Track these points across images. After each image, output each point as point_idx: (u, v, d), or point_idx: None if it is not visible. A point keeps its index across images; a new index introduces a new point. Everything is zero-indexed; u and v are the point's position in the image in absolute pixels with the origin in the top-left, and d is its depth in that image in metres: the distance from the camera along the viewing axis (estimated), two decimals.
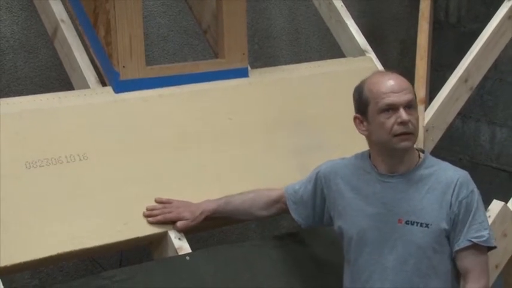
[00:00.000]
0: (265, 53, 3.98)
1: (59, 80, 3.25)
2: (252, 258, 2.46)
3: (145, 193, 2.45)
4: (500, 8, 3.34)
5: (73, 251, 2.27)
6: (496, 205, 2.74)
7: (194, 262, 2.35)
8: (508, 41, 3.37)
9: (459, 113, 3.38)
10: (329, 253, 2.53)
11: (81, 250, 2.28)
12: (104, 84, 2.69)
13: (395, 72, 2.24)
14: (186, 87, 2.75)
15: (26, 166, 2.33)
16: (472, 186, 2.20)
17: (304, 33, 4.16)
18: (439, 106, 3.19)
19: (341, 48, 3.42)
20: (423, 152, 2.29)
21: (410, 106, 2.16)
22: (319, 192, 2.36)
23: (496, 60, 3.44)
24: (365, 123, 2.21)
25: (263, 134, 2.81)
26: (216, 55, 2.95)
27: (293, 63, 3.42)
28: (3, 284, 2.15)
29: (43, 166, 2.35)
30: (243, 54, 2.88)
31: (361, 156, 2.31)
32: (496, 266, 2.74)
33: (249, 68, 2.94)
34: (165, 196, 2.47)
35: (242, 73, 2.89)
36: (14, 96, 2.70)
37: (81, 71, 2.69)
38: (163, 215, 2.42)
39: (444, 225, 2.16)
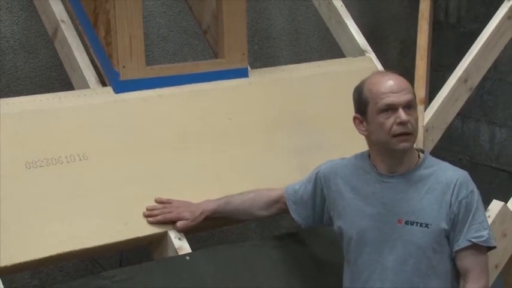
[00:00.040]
0: (265, 53, 3.98)
1: (59, 80, 3.25)
2: (252, 258, 2.46)
3: (145, 193, 2.46)
4: (500, 8, 3.34)
5: (73, 251, 2.27)
6: (495, 205, 2.74)
7: (194, 262, 2.35)
8: (508, 41, 3.37)
9: (459, 113, 3.38)
10: (329, 253, 2.53)
11: (81, 250, 2.28)
12: (104, 84, 2.69)
13: (395, 73, 2.24)
14: (186, 87, 2.75)
15: (26, 166, 2.33)
16: (472, 186, 2.20)
17: (304, 34, 4.16)
18: (439, 106, 3.19)
19: (341, 49, 3.43)
20: (423, 152, 2.29)
21: (409, 106, 2.16)
22: (319, 192, 2.36)
23: (495, 61, 3.44)
24: (364, 124, 2.21)
25: (263, 134, 2.81)
26: (216, 55, 2.96)
27: (293, 64, 3.42)
28: (3, 284, 2.15)
29: (43, 166, 2.35)
30: (243, 54, 2.88)
31: (360, 156, 2.32)
32: (496, 266, 2.74)
33: (249, 68, 2.94)
34: (165, 196, 2.47)
35: (242, 73, 2.89)
36: (14, 96, 2.70)
37: (81, 71, 2.70)
38: (163, 215, 2.42)
39: (444, 225, 2.16)
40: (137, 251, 3.19)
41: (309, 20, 4.14)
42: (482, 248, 2.18)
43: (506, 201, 2.80)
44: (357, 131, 2.25)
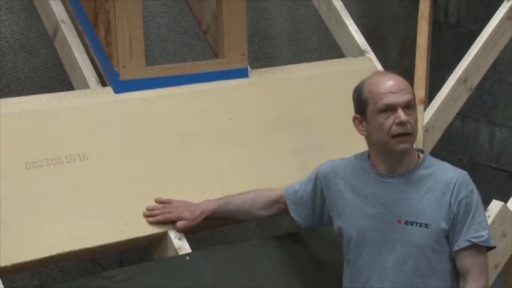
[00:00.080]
0: (265, 53, 3.98)
1: (59, 80, 3.25)
2: (252, 258, 2.46)
3: (145, 193, 2.46)
4: (500, 8, 3.34)
5: (73, 251, 2.27)
6: (495, 205, 2.75)
7: (194, 262, 2.35)
8: (507, 41, 3.38)
9: (458, 113, 3.39)
10: (329, 253, 2.53)
11: (81, 250, 2.29)
12: (104, 84, 2.69)
13: (394, 73, 2.24)
14: (186, 88, 2.75)
15: (26, 166, 2.33)
16: (472, 186, 2.21)
17: (304, 34, 4.16)
18: (439, 106, 3.19)
19: (341, 49, 3.43)
20: (422, 152, 2.29)
21: (409, 107, 2.16)
22: (319, 192, 2.37)
23: (495, 61, 3.45)
24: (364, 124, 2.21)
25: (263, 134, 2.81)
26: (216, 55, 2.96)
27: (293, 64, 3.42)
28: (3, 284, 2.15)
29: (43, 166, 2.35)
30: (243, 54, 2.88)
31: (360, 156, 2.32)
32: (496, 266, 2.74)
33: (249, 68, 2.94)
34: (165, 196, 2.47)
35: (242, 73, 2.89)
36: (14, 96, 2.70)
37: (81, 71, 2.70)
38: (163, 215, 2.42)
39: (443, 225, 2.16)
40: (137, 251, 3.20)
41: (308, 20, 4.14)
42: (482, 248, 2.18)
43: (506, 201, 2.80)
44: (356, 131, 2.26)
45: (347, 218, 2.27)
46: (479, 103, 4.52)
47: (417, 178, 2.20)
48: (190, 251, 2.39)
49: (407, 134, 2.15)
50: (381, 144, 2.19)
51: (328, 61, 3.31)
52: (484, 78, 3.53)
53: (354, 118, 2.25)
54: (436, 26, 4.49)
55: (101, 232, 2.32)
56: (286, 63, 3.74)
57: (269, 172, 2.71)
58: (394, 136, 2.15)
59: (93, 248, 2.31)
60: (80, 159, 2.42)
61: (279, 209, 2.48)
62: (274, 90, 2.95)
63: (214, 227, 3.13)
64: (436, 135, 3.22)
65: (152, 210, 2.43)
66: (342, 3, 3.39)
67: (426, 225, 2.16)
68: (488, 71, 3.41)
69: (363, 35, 3.37)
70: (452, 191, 2.17)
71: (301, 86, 3.03)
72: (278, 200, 2.47)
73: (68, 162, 2.40)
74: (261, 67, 3.26)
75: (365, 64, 3.22)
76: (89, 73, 2.70)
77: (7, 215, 2.22)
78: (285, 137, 2.84)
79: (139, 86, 2.65)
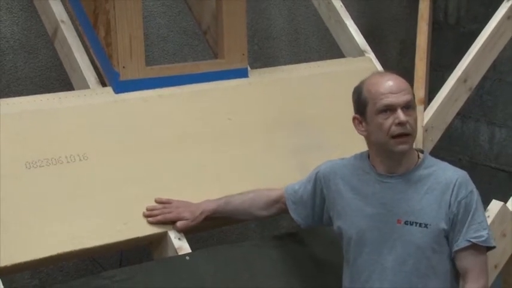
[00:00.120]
0: (264, 53, 3.98)
1: (59, 80, 3.25)
2: (251, 258, 2.47)
3: (145, 193, 2.46)
4: (499, 8, 3.34)
5: (73, 251, 2.27)
6: (495, 205, 2.75)
7: (194, 262, 2.35)
8: (507, 42, 3.38)
9: (458, 113, 3.39)
10: (328, 253, 2.53)
11: (81, 250, 2.29)
12: (104, 84, 2.69)
13: (394, 73, 2.24)
14: (186, 88, 2.75)
15: (26, 166, 2.33)
16: (471, 186, 2.21)
17: (304, 34, 4.16)
18: (438, 106, 3.19)
19: (340, 49, 3.43)
20: (422, 152, 2.30)
21: (408, 107, 2.16)
22: (319, 192, 2.37)
23: (495, 61, 3.45)
24: (364, 124, 2.21)
25: (263, 134, 2.82)
26: (215, 55, 2.96)
27: (292, 64, 3.42)
28: (3, 284, 2.15)
29: (43, 166, 2.36)
30: (243, 54, 2.89)
31: (360, 156, 2.32)
32: (495, 266, 2.74)
33: (249, 69, 2.95)
34: (165, 196, 2.47)
35: (242, 73, 2.89)
36: (14, 96, 2.70)
37: (81, 71, 2.70)
38: (163, 215, 2.42)
39: (443, 225, 2.16)
40: (137, 251, 3.20)
41: (308, 20, 4.14)
42: (481, 248, 2.18)
43: (505, 201, 2.80)
44: (356, 131, 2.26)
45: (347, 218, 2.27)
46: (479, 103, 4.52)
47: (417, 178, 2.21)
48: (190, 251, 2.39)
49: (407, 135, 2.15)
50: (380, 145, 2.19)
51: (328, 61, 3.31)
52: (484, 78, 3.53)
53: (354, 118, 2.25)
54: (435, 26, 4.49)
55: (101, 232, 2.32)
56: (286, 64, 3.74)
57: (269, 172, 2.71)
58: (394, 136, 2.15)
59: (93, 248, 2.31)
60: (80, 159, 2.42)
61: (278, 209, 2.48)
62: (274, 90, 2.95)
63: (214, 227, 3.13)
64: (436, 135, 3.22)
65: (152, 210, 2.43)
66: (341, 4, 3.39)
67: (426, 225, 2.16)
68: (488, 71, 3.41)
69: (362, 35, 3.37)
70: (452, 191, 2.17)
71: (301, 86, 3.03)
72: (278, 200, 2.47)
73: (68, 162, 2.40)
74: (260, 67, 3.26)
75: (365, 64, 3.22)
76: (89, 73, 2.70)
77: (7, 215, 2.22)
78: (284, 137, 2.84)
79: (139, 86, 2.65)
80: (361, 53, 3.30)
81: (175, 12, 3.63)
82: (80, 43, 2.78)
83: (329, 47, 4.08)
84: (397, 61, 4.61)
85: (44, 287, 3.29)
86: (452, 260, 2.20)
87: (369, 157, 2.28)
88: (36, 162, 2.35)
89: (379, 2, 4.52)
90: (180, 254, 2.37)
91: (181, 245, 2.40)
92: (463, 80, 3.24)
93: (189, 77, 2.77)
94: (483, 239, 2.17)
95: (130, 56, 2.61)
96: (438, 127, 3.22)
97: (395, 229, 2.19)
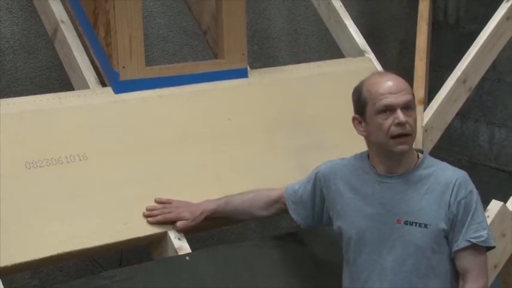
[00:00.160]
0: (264, 53, 3.98)
1: (59, 80, 3.25)
2: (251, 258, 2.47)
3: (145, 193, 2.46)
4: (499, 8, 3.34)
5: (73, 251, 2.27)
6: (494, 205, 2.75)
7: (194, 262, 2.36)
8: (507, 42, 3.38)
9: (458, 114, 3.39)
10: (328, 253, 2.53)
11: (81, 250, 2.29)
12: (103, 84, 2.69)
13: (394, 73, 2.24)
14: (185, 88, 2.75)
15: (26, 166, 2.33)
16: (471, 186, 2.21)
17: (304, 34, 4.16)
18: (438, 106, 3.20)
19: (340, 49, 3.43)
20: (422, 152, 2.30)
21: (408, 107, 2.16)
22: (319, 192, 2.37)
23: (494, 61, 3.45)
24: (363, 124, 2.22)
25: (263, 134, 2.82)
26: (215, 56, 2.96)
27: (292, 64, 3.43)
28: (3, 284, 2.15)
29: (43, 166, 2.36)
30: (243, 54, 2.89)
31: (360, 156, 2.32)
32: (495, 266, 2.74)
33: (249, 69, 2.95)
34: (165, 196, 2.47)
35: (242, 73, 2.90)
36: (14, 96, 2.70)
37: (81, 71, 2.70)
38: (163, 215, 2.42)
39: (443, 225, 2.17)
40: (137, 251, 3.20)
41: (308, 20, 4.14)
42: (481, 248, 2.18)
43: (505, 201, 2.80)
44: (356, 132, 2.26)
45: (346, 218, 2.27)
46: (478, 103, 4.52)
47: (417, 178, 2.21)
48: (190, 251, 2.40)
49: (406, 135, 2.15)
50: (380, 145, 2.19)
51: (328, 61, 3.31)
52: (483, 79, 3.53)
53: (354, 118, 2.25)
54: (435, 27, 4.50)
55: (101, 232, 2.32)
56: (285, 64, 3.75)
57: (269, 172, 2.71)
58: (393, 137, 2.15)
59: (93, 248, 2.31)
60: (80, 160, 2.42)
61: (278, 209, 2.48)
62: (274, 91, 2.95)
63: (214, 227, 3.13)
64: (436, 136, 3.23)
65: (152, 210, 2.43)
66: (341, 4, 3.39)
67: (425, 226, 2.16)
68: (488, 71, 3.41)
69: (362, 35, 3.37)
70: (452, 191, 2.17)
71: (300, 86, 3.03)
72: (278, 200, 2.47)
73: (68, 162, 2.40)
74: (260, 67, 3.26)
75: (364, 64, 3.22)
76: (89, 73, 2.71)
77: (7, 215, 2.22)
78: (284, 137, 2.85)
79: (139, 86, 2.65)
80: (360, 53, 3.30)
81: (175, 12, 3.63)
82: (79, 43, 2.78)
83: (329, 47, 4.08)
84: (397, 61, 4.61)
85: (44, 287, 3.29)
86: (452, 260, 2.20)
87: (368, 157, 2.28)
88: (36, 162, 2.35)
89: (379, 2, 4.52)
90: (180, 254, 2.37)
91: (181, 245, 2.40)
92: (462, 80, 3.24)
93: (189, 77, 2.77)
94: (483, 239, 2.17)
95: (130, 56, 2.61)
96: (438, 127, 3.22)
97: (395, 229, 2.19)
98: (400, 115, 2.13)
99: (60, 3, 2.86)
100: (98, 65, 2.73)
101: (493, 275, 2.71)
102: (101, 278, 2.25)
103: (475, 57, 3.25)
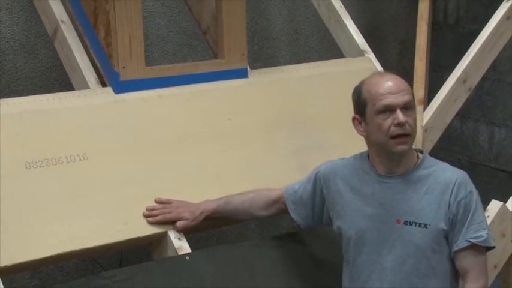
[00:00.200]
0: (264, 53, 3.99)
1: (59, 80, 3.25)
2: (251, 258, 2.47)
3: (145, 193, 2.46)
4: (499, 8, 3.34)
5: (73, 251, 2.27)
6: (494, 205, 2.75)
7: (194, 262, 2.36)
8: (507, 42, 3.38)
9: (458, 114, 3.39)
10: (328, 253, 2.53)
11: (81, 250, 2.29)
12: (104, 84, 2.69)
13: (393, 73, 2.24)
14: (185, 88, 2.75)
15: (26, 166, 2.33)
16: (471, 186, 2.21)
17: (304, 34, 4.16)
18: (438, 106, 3.20)
19: (340, 49, 3.43)
20: (422, 152, 2.30)
21: (408, 107, 2.16)
22: (319, 192, 2.37)
23: (494, 61, 3.45)
24: (363, 124, 2.22)
25: (263, 134, 2.82)
26: (215, 56, 2.96)
27: (292, 64, 3.43)
28: (3, 284, 2.16)
29: (43, 166, 2.36)
30: (243, 54, 2.89)
31: (360, 156, 2.32)
32: (495, 266, 2.75)
33: (249, 69, 2.95)
34: (165, 196, 2.47)
35: (242, 73, 2.90)
36: (14, 96, 2.70)
37: (81, 71, 2.70)
38: (163, 215, 2.42)
39: (443, 225, 2.17)
40: (137, 251, 3.20)
41: (308, 21, 4.14)
42: (481, 248, 2.18)
43: (505, 201, 2.80)
44: (356, 132, 2.26)
45: (346, 218, 2.27)
46: (478, 103, 4.52)
47: (416, 178, 2.21)
48: (190, 251, 2.40)
49: (406, 135, 2.15)
50: (379, 145, 2.19)
51: (328, 61, 3.31)
52: (483, 79, 3.53)
53: (353, 118, 2.25)
54: (435, 27, 4.50)
55: (101, 232, 2.33)
56: (285, 64, 3.75)
57: (269, 172, 2.71)
58: (393, 137, 2.15)
59: (93, 248, 2.31)
60: (80, 160, 2.42)
61: (278, 209, 2.48)
62: (274, 91, 2.95)
63: (214, 227, 3.13)
64: (436, 136, 3.23)
65: (152, 210, 2.43)
66: (341, 4, 3.40)
67: (425, 226, 2.16)
68: (488, 71, 3.41)
69: (362, 35, 3.37)
70: (452, 191, 2.17)
71: (300, 87, 3.03)
72: (278, 200, 2.47)
73: (68, 162, 2.40)
74: (260, 67, 3.26)
75: (364, 64, 3.22)
76: (89, 73, 2.71)
77: (7, 215, 2.22)
78: (284, 137, 2.85)
79: (139, 86, 2.65)
80: (360, 53, 3.30)
81: (175, 13, 3.63)
82: (80, 43, 2.78)
83: (329, 47, 4.08)
84: (397, 61, 4.61)
85: (44, 287, 3.29)
86: (452, 260, 2.20)
87: (368, 157, 2.28)
88: (36, 162, 2.35)
89: (379, 2, 4.52)
90: (180, 254, 2.37)
91: (181, 245, 2.40)
92: (462, 80, 3.24)
93: (189, 77, 2.77)
94: (483, 239, 2.17)
95: (130, 56, 2.61)
96: (438, 127, 3.22)
97: (394, 229, 2.19)
98: (400, 115, 2.13)
99: (60, 3, 2.86)
100: (98, 65, 2.73)
101: (492, 275, 2.71)
102: (101, 278, 2.25)
103: (475, 57, 3.25)
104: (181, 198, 2.49)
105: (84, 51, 2.76)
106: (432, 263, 2.18)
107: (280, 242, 2.58)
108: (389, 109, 2.14)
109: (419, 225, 2.17)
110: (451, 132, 4.46)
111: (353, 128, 2.26)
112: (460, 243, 2.17)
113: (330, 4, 3.38)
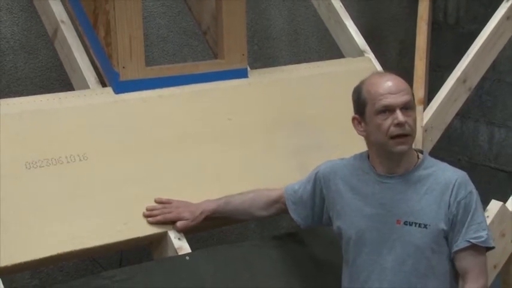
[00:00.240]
0: (264, 53, 3.99)
1: (59, 80, 3.25)
2: (251, 258, 2.47)
3: (145, 193, 2.46)
4: (499, 8, 3.35)
5: (73, 251, 2.27)
6: (494, 205, 2.75)
7: (194, 262, 2.36)
8: (507, 42, 3.38)
9: (458, 114, 3.39)
10: (328, 253, 2.53)
11: (81, 250, 2.29)
12: (104, 84, 2.69)
13: (393, 73, 2.24)
14: (185, 88, 2.75)
15: (26, 166, 2.33)
16: (471, 186, 2.21)
17: (304, 34, 4.16)
18: (438, 107, 3.20)
19: (340, 49, 3.43)
20: (422, 152, 2.30)
21: (407, 107, 2.16)
22: (318, 192, 2.37)
23: (494, 61, 3.45)
24: (363, 124, 2.22)
25: (263, 134, 2.82)
26: (215, 56, 2.96)
27: (292, 64, 3.43)
28: (3, 284, 2.16)
29: (43, 166, 2.36)
30: (243, 54, 2.89)
31: (360, 156, 2.32)
32: (495, 266, 2.75)
33: (249, 69, 2.95)
34: (165, 196, 2.47)
35: (242, 74, 2.90)
36: (14, 96, 2.70)
37: (81, 71, 2.70)
38: (163, 215, 2.42)
39: (442, 225, 2.17)
40: (137, 251, 3.20)
41: (308, 21, 4.15)
42: (481, 249, 2.18)
43: (505, 201, 2.81)
44: (356, 132, 2.26)
45: (346, 218, 2.27)
46: (478, 103, 4.52)
47: (416, 179, 2.21)
48: (190, 251, 2.40)
49: (406, 135, 2.15)
50: (379, 145, 2.20)
51: (328, 61, 3.31)
52: (483, 79, 3.53)
53: (353, 118, 2.25)
54: (435, 27, 4.50)
55: (101, 232, 2.33)
56: (285, 64, 3.75)
57: (269, 172, 2.71)
58: (393, 137, 2.15)
59: (93, 248, 2.31)
60: (80, 160, 2.42)
61: (278, 209, 2.48)
62: (274, 91, 2.96)
63: (214, 227, 3.13)
64: (435, 136, 3.23)
65: (152, 210, 2.43)
66: (341, 4, 3.40)
67: (425, 226, 2.16)
68: (487, 71, 3.41)
69: (362, 35, 3.37)
70: (452, 191, 2.17)
71: (300, 87, 3.03)
72: (278, 200, 2.47)
73: (68, 162, 2.40)
74: (260, 67, 3.26)
75: (364, 64, 3.22)
76: (89, 73, 2.71)
77: (7, 215, 2.22)
78: (284, 137, 2.85)
79: (139, 87, 2.65)
80: (360, 53, 3.31)
81: (175, 13, 3.63)
82: (80, 43, 2.78)
83: (329, 48, 4.08)
84: (397, 61, 4.62)
85: (44, 287, 3.29)
86: (452, 261, 2.20)
87: (368, 157, 2.28)
88: (36, 163, 2.35)
89: (379, 2, 4.52)
90: (180, 254, 2.38)
91: (181, 245, 2.40)
92: (462, 80, 3.24)
93: (189, 77, 2.78)
94: (482, 239, 2.17)
95: (130, 56, 2.61)
96: (437, 127, 3.22)
97: (394, 229, 2.19)
98: (400, 115, 2.13)
99: (60, 3, 2.86)
100: (98, 65, 2.73)
101: (492, 275, 2.71)
102: (101, 278, 2.26)
103: (475, 57, 3.25)
104: (181, 198, 2.49)
105: (84, 51, 2.76)
106: (432, 263, 2.18)
107: (280, 242, 2.58)
108: (389, 109, 2.14)
109: (419, 225, 2.17)
110: (451, 132, 4.46)
111: (353, 128, 2.26)
112: (460, 243, 2.17)
113: (330, 4, 3.38)
